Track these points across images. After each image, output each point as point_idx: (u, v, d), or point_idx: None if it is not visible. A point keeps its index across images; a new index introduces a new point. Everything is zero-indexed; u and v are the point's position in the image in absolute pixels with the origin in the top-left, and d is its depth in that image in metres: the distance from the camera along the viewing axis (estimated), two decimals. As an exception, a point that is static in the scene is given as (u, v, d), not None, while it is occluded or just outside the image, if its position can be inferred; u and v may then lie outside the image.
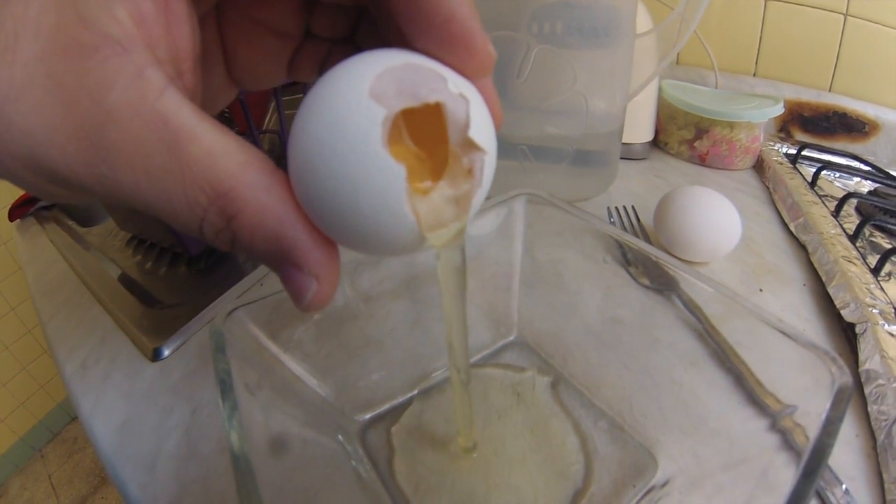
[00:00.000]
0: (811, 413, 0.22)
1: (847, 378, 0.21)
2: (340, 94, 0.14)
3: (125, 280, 0.50)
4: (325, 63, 0.21)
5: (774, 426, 0.23)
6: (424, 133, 0.16)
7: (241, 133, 0.53)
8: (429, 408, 0.32)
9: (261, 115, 0.61)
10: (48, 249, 0.60)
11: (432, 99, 0.15)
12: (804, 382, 0.23)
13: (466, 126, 0.15)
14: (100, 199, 0.14)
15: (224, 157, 0.14)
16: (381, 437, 0.30)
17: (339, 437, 0.28)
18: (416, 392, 0.33)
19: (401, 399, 0.33)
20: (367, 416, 0.31)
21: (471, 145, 0.15)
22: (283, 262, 0.15)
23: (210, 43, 0.19)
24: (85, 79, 0.13)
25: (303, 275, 0.15)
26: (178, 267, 0.51)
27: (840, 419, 0.20)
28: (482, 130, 0.16)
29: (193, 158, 0.13)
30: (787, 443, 0.22)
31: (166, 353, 0.38)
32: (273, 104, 0.63)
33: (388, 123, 0.14)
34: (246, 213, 0.14)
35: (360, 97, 0.14)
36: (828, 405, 0.21)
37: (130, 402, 0.35)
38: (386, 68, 0.14)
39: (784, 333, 0.23)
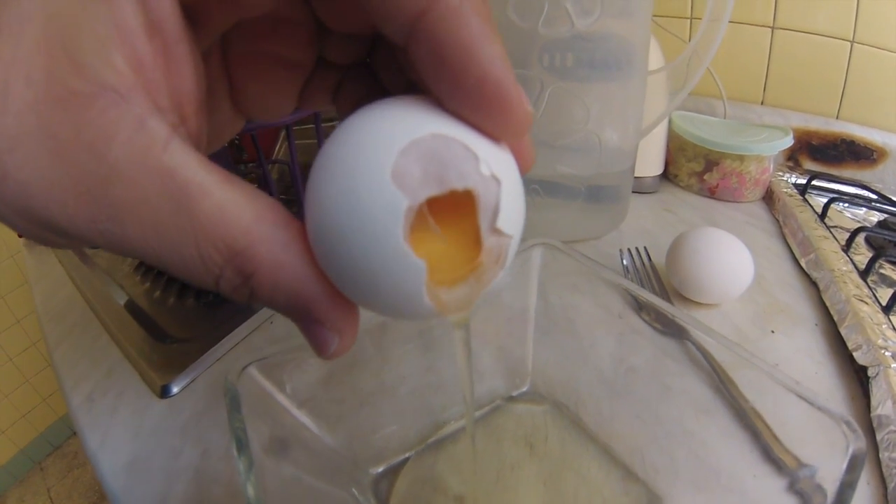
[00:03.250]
0: (833, 476, 0.21)
1: (861, 443, 0.21)
2: (359, 172, 0.13)
3: (132, 308, 0.49)
4: (339, 90, 0.20)
5: (792, 487, 0.23)
6: (450, 213, 0.14)
7: (250, 162, 0.54)
8: (441, 459, 0.31)
9: (271, 144, 0.61)
10: (56, 269, 0.60)
11: (461, 186, 0.13)
12: (820, 443, 0.23)
13: (496, 213, 0.14)
14: (104, 249, 0.14)
15: (237, 212, 0.13)
16: (395, 489, 0.30)
17: (353, 489, 0.28)
18: (429, 443, 0.33)
19: (415, 451, 0.32)
20: (381, 468, 0.31)
21: (498, 232, 0.14)
22: (304, 317, 0.15)
23: (215, 76, 0.18)
24: (83, 131, 0.12)
25: (325, 329, 0.15)
26: (187, 298, 0.51)
27: (854, 485, 0.20)
28: (512, 214, 0.15)
29: (205, 215, 0.13)
30: (806, 505, 0.22)
31: (175, 390, 0.38)
32: (283, 133, 0.63)
33: (410, 214, 0.13)
34: (263, 270, 0.13)
35: (381, 180, 0.13)
36: (842, 470, 0.21)
37: (138, 441, 0.35)
38: (410, 141, 0.13)
39: (799, 395, 0.23)
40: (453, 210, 0.14)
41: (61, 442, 1.75)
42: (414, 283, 0.14)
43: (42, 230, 0.13)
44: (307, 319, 0.15)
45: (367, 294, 0.14)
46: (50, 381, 1.66)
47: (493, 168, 0.14)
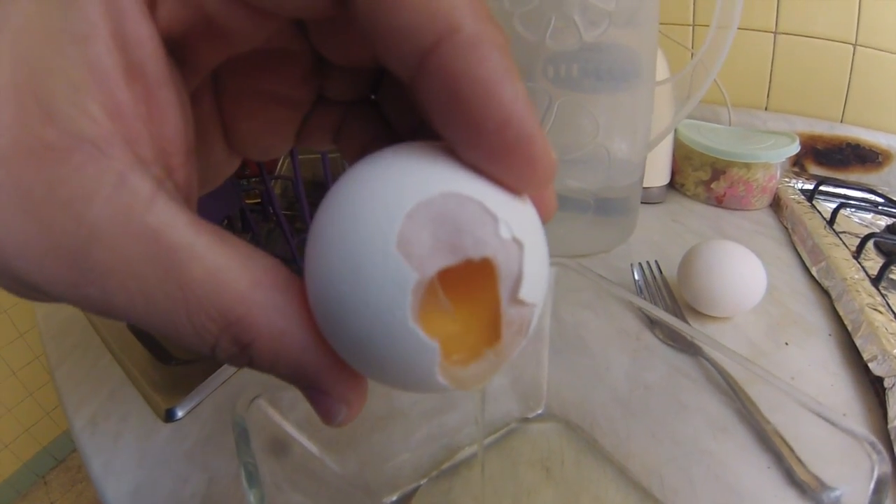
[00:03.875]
0: (860, 500, 0.21)
1: (887, 465, 0.20)
2: (359, 240, 0.11)
3: (135, 327, 0.49)
4: (342, 130, 0.18)
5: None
6: (465, 283, 0.13)
7: (252, 177, 0.53)
8: (457, 485, 0.31)
9: (274, 159, 0.61)
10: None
11: (478, 255, 0.12)
12: (843, 462, 0.22)
13: (518, 282, 0.12)
14: (91, 313, 0.13)
15: (230, 277, 0.12)
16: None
17: (366, 521, 0.27)
18: (444, 469, 0.32)
19: (429, 478, 0.31)
20: (395, 496, 0.30)
21: (521, 303, 0.13)
22: (308, 387, 0.14)
23: (206, 117, 0.17)
24: (58, 190, 0.11)
25: (331, 400, 0.14)
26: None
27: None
28: (535, 280, 0.13)
29: (196, 282, 0.12)
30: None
31: (180, 414, 0.37)
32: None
33: (420, 290, 0.11)
34: (262, 340, 0.12)
35: (384, 251, 0.11)
36: (869, 492, 0.20)
37: (143, 467, 0.34)
38: (418, 203, 0.11)
39: (820, 415, 0.22)
40: (469, 279, 0.12)
41: (65, 456, 1.74)
42: (426, 364, 0.12)
43: (25, 289, 0.12)
44: (311, 389, 0.14)
45: (373, 370, 0.13)
46: (53, 396, 1.65)
47: (514, 230, 0.12)
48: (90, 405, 0.40)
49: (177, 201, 0.12)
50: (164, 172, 0.13)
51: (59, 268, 0.11)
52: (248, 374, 0.40)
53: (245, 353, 0.13)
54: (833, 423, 0.22)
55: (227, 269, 0.12)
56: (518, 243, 0.12)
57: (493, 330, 0.13)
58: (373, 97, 0.18)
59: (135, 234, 0.11)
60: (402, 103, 0.17)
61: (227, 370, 0.40)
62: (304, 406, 0.24)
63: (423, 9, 0.11)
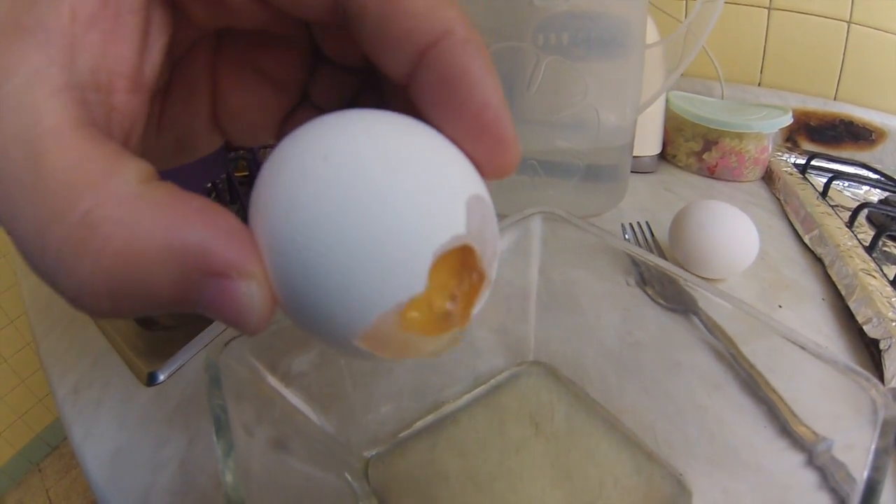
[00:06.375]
0: (853, 447, 0.20)
1: (893, 407, 0.20)
2: (426, 198, 0.12)
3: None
4: None
5: (811, 462, 0.22)
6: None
7: (240, 148, 0.52)
8: (441, 441, 0.30)
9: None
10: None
11: (484, 267, 0.14)
12: (840, 410, 0.22)
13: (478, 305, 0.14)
14: None
15: (90, 168, 0.11)
16: (391, 474, 0.29)
17: (346, 475, 0.26)
18: (428, 424, 0.31)
19: (411, 432, 0.31)
20: (375, 451, 0.29)
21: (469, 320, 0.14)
22: (196, 281, 0.11)
23: (199, 78, 0.17)
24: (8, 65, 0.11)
25: (230, 281, 0.11)
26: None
27: (889, 451, 0.19)
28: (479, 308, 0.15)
29: (53, 169, 0.10)
30: (827, 482, 0.21)
31: (161, 377, 0.36)
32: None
33: (454, 243, 0.12)
34: (117, 237, 0.10)
35: (453, 202, 0.13)
36: (875, 437, 0.19)
37: (124, 430, 0.33)
38: (475, 195, 0.13)
39: (823, 358, 0.22)
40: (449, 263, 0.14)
41: (58, 442, 1.73)
42: (391, 299, 0.12)
43: None
44: (201, 282, 0.11)
45: (317, 311, 0.12)
46: (46, 382, 1.63)
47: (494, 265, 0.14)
48: (73, 374, 0.39)
49: (80, 101, 0.12)
50: (96, 86, 0.12)
51: None
52: (230, 336, 0.39)
53: (100, 270, 0.10)
54: (835, 365, 0.21)
55: (90, 160, 0.11)
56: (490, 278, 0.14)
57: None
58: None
59: (22, 110, 0.11)
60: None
61: (211, 332, 0.39)
62: (285, 353, 0.24)
63: (427, 15, 0.13)
